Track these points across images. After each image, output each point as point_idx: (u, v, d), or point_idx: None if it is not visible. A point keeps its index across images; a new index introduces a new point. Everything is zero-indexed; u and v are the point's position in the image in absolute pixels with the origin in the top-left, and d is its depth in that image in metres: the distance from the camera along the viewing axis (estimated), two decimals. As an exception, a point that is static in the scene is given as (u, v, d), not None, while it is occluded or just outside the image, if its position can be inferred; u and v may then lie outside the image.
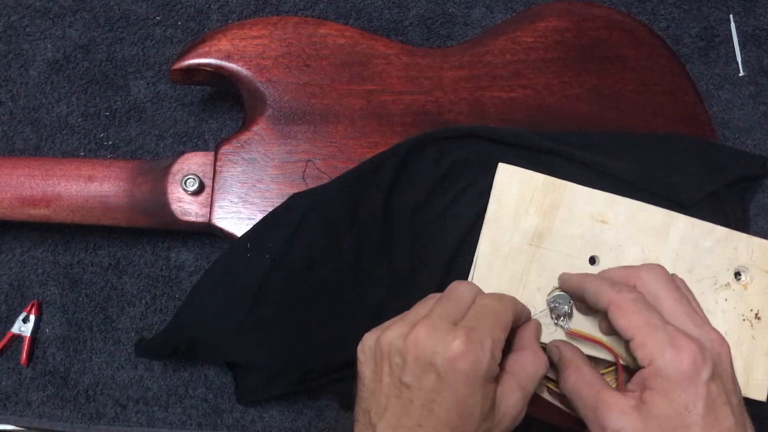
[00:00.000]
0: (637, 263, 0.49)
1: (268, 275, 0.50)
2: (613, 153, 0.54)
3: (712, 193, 0.54)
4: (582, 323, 0.48)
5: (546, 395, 0.49)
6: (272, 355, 0.52)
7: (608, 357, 0.47)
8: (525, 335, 0.45)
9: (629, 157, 0.54)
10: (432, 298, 0.43)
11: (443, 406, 0.37)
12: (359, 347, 0.42)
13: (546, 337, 0.48)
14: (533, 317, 0.48)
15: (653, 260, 0.49)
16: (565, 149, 0.53)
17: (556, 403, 0.49)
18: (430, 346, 0.38)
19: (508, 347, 0.44)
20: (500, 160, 0.50)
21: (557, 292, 0.49)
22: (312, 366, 0.53)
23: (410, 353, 0.38)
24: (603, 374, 0.47)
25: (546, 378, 0.48)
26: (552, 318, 0.48)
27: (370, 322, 0.45)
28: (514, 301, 0.45)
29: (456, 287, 0.43)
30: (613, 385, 0.45)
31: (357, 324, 0.47)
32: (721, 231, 0.51)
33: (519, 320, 0.45)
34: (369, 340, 0.41)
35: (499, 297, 0.44)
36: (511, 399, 0.41)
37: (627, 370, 0.46)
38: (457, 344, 0.38)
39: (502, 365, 0.42)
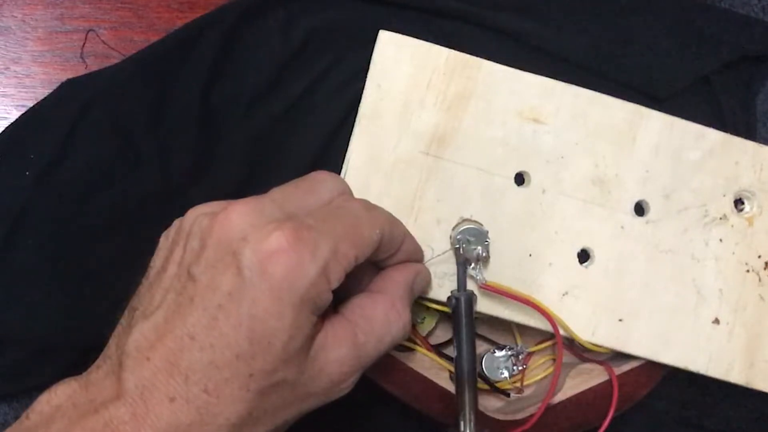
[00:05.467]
0: (587, 183, 0.44)
1: (31, 200, 0.46)
2: (552, 17, 0.51)
3: (702, 79, 0.51)
4: (502, 273, 0.43)
5: (441, 381, 0.43)
6: (37, 320, 0.46)
7: (542, 325, 0.43)
8: (391, 276, 0.40)
9: (577, 25, 0.51)
10: None
11: (231, 318, 0.32)
12: (164, 232, 0.38)
13: (445, 293, 0.43)
14: (428, 262, 0.43)
15: (611, 178, 0.45)
16: (480, 12, 0.50)
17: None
18: (240, 229, 0.33)
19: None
20: (382, 26, 0.44)
21: (467, 225, 0.43)
22: (98, 339, 0.45)
23: (214, 236, 0.34)
24: (533, 353, 0.46)
25: (443, 356, 0.44)
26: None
27: None
28: (394, 220, 0.40)
29: (316, 175, 0.38)
30: (549, 370, 0.45)
31: None
32: (714, 137, 0.46)
33: (391, 250, 0.39)
34: (177, 220, 0.38)
35: (371, 205, 0.39)
36: (335, 353, 0.36)
37: (568, 346, 0.45)
38: (276, 236, 0.33)
39: (339, 306, 0.37)
